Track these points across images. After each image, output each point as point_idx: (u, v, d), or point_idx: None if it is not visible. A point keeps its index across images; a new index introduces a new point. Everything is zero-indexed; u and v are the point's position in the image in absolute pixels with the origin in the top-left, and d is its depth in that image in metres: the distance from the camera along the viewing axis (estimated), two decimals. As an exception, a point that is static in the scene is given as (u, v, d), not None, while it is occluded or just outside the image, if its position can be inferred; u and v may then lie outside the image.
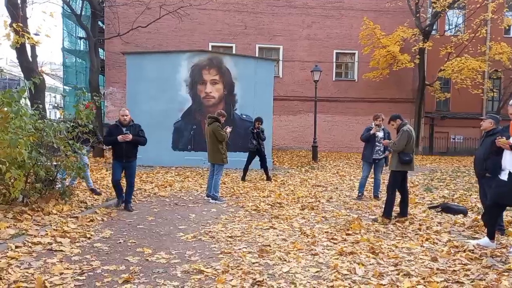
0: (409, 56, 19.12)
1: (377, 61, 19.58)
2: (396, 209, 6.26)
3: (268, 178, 10.21)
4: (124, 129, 6.08)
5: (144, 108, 12.29)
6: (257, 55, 19.80)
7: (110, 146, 6.20)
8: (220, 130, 7.17)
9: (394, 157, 5.94)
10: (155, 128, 12.03)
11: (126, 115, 6.13)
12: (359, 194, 7.86)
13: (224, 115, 7.48)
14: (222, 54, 13.28)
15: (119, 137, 5.96)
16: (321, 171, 12.92)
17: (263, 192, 8.38)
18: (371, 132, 7.59)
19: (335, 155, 18.75)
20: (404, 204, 6.08)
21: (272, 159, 13.92)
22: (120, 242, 4.58)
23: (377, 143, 7.59)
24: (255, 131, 9.97)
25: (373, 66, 19.88)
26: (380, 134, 7.62)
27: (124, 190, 6.29)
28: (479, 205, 6.77)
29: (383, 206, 6.20)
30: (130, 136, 5.97)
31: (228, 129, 7.45)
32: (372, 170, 7.81)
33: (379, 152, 7.63)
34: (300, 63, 20.82)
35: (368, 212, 6.62)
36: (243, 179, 10.02)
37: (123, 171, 6.23)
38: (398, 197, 6.16)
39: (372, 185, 8.15)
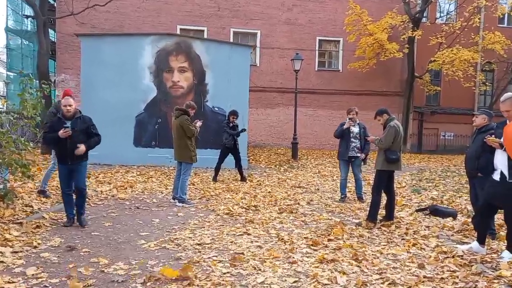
0: (397, 45, 19.56)
1: (363, 50, 19.92)
2: (382, 212, 6.39)
3: (243, 179, 10.22)
4: (67, 123, 5.31)
5: (101, 98, 12.03)
6: (231, 40, 19.73)
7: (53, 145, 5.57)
8: (189, 124, 7.11)
9: (379, 155, 6.06)
10: (114, 121, 11.80)
11: (70, 105, 5.34)
12: (342, 196, 8.00)
13: (193, 107, 7.42)
14: (191, 39, 13.16)
15: (60, 133, 5.23)
16: (301, 170, 13.05)
17: (236, 194, 8.39)
18: (344, 126, 7.78)
19: (317, 153, 18.98)
20: (390, 206, 6.21)
21: (247, 157, 13.93)
22: (71, 252, 4.46)
23: (352, 139, 7.80)
24: (231, 124, 9.96)
25: (359, 56, 20.21)
26: (355, 129, 7.81)
27: (75, 201, 5.61)
28: (469, 207, 7.02)
29: (368, 209, 6.32)
30: (70, 132, 5.23)
31: (198, 123, 7.40)
32: (351, 169, 7.97)
33: (355, 149, 7.81)
34: (279, 50, 20.91)
35: (352, 216, 6.73)
36: (214, 179, 9.99)
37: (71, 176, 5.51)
38: (384, 199, 6.29)
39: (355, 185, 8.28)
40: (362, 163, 7.99)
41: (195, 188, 8.91)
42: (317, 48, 21.38)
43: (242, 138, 10.79)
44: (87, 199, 6.85)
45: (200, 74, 12.64)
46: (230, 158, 10.32)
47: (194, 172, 11.05)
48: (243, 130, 10.34)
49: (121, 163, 12.05)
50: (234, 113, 9.98)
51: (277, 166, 13.76)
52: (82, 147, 5.33)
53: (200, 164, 10.66)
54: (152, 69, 12.48)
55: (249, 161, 14.11)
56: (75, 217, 5.61)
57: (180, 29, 20.07)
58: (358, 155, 7.81)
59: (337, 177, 11.55)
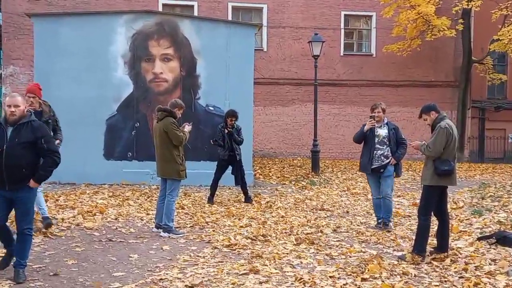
0: (448, 21, 19.56)
1: (403, 27, 19.94)
2: (433, 241, 6.36)
3: (248, 199, 10.24)
4: (9, 131, 4.90)
5: (60, 97, 12.00)
6: (229, 18, 19.85)
7: None
8: (176, 129, 7.15)
9: (427, 166, 6.04)
10: (77, 126, 11.84)
11: (16, 106, 4.91)
12: (378, 220, 7.98)
13: (181, 107, 7.47)
14: (178, 17, 13.26)
15: None
16: (324, 187, 13.03)
17: (239, 219, 8.38)
18: (365, 128, 7.77)
19: (345, 164, 18.97)
20: (443, 234, 6.18)
21: (253, 171, 13.92)
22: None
23: (377, 146, 7.76)
24: (226, 131, 9.98)
25: (397, 35, 20.24)
26: (382, 131, 7.77)
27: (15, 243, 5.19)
28: (549, 233, 6.94)
29: (414, 237, 6.29)
30: None
31: (187, 127, 7.44)
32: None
33: (382, 158, 7.75)
34: (292, 30, 21.04)
35: (393, 247, 6.71)
36: (210, 200, 10.02)
37: (10, 207, 5.11)
38: (434, 223, 6.26)
39: (399, 205, 8.27)
40: (394, 175, 7.93)
41: (185, 213, 8.91)
42: (342, 26, 21.47)
43: (245, 145, 10.81)
44: (42, 231, 6.88)
45: (189, 64, 12.72)
46: (229, 173, 10.34)
47: (183, 191, 11.07)
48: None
49: (88, 181, 12.10)
50: (232, 115, 10.02)
51: (293, 182, 13.76)
52: (31, 182, 4.93)
53: (192, 181, 10.69)
54: (126, 58, 12.57)
55: (255, 176, 14.11)
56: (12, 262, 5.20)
57: (163, 4, 20.24)
58: (385, 163, 7.72)
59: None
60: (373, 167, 7.74)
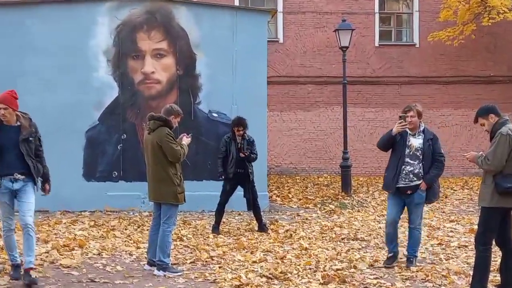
0: (510, 1, 19.42)
1: (453, 10, 19.86)
2: (495, 277, 6.31)
3: (262, 227, 10.24)
4: None
5: (29, 103, 11.90)
6: (236, 3, 19.96)
7: None
8: (172, 142, 7.15)
9: (486, 183, 6.00)
10: (50, 139, 11.67)
11: None
12: (389, 255, 7.72)
13: (178, 114, 7.46)
14: (172, 3, 13.33)
15: None
16: (358, 211, 12.97)
17: (252, 253, 8.37)
18: (393, 131, 7.32)
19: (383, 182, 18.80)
20: (508, 267, 6.11)
21: (269, 192, 13.88)
22: None
23: (407, 159, 7.29)
24: (237, 143, 10.01)
25: (446, 20, 20.14)
26: (415, 140, 7.31)
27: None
28: None
29: (471, 272, 6.23)
30: None
31: (186, 139, 7.44)
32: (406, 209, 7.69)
33: (411, 175, 7.31)
34: (315, 16, 21.06)
35: (445, 285, 6.65)
36: (215, 230, 10.02)
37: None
38: (496, 255, 6.19)
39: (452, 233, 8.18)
40: (425, 201, 7.55)
41: (185, 246, 8.91)
42: (377, 10, 21.46)
43: (259, 160, 10.72)
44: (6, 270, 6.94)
45: (187, 60, 12.79)
46: (239, 195, 10.35)
47: (182, 218, 11.08)
48: (245, 153, 10.02)
49: (64, 208, 12.13)
50: (238, 123, 10.02)
51: (318, 206, 13.70)
52: None
53: (192, 205, 10.69)
54: (110, 55, 12.67)
55: (271, 198, 14.10)
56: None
57: (154, -12, 20.41)
58: (416, 183, 7.29)
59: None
60: (398, 185, 7.37)
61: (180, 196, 7.22)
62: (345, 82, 16.41)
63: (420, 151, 7.37)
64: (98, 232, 9.94)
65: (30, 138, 6.65)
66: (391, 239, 7.69)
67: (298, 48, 20.98)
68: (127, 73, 12.70)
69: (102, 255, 8.29)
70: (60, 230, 10.08)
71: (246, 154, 9.95)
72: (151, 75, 12.71)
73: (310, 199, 14.82)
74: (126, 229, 10.30)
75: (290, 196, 15.31)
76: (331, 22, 19.87)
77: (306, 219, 11.84)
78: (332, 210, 13.00)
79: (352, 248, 8.83)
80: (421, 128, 7.49)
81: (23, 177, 6.53)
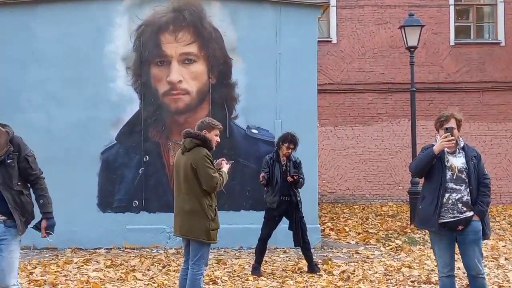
0: None
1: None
2: None
3: (313, 268, 10.13)
4: None
5: (33, 122, 12.36)
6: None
7: None
8: (210, 166, 7.07)
9: None
10: (58, 164, 12.05)
11: None
12: None
13: (213, 126, 7.35)
14: (203, -1, 13.40)
15: None
16: (431, 247, 12.64)
17: (300, 300, 8.26)
18: (436, 148, 6.67)
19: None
20: None
21: (320, 224, 13.76)
22: None
23: (450, 184, 6.74)
24: (282, 165, 9.93)
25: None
26: (457, 160, 6.87)
27: None
28: None
29: None
30: None
31: (226, 166, 7.32)
32: (457, 250, 7.14)
33: (459, 205, 6.88)
34: (375, 11, 21.05)
35: None
36: (256, 271, 9.96)
37: None
38: None
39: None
40: (481, 236, 7.06)
41: (219, 291, 8.86)
42: (452, 2, 21.27)
43: (307, 186, 10.63)
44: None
45: (221, 67, 12.84)
46: (284, 228, 10.28)
47: (216, 257, 11.07)
48: (293, 177, 9.89)
49: (75, 244, 12.26)
50: (292, 140, 9.93)
51: (382, 241, 13.57)
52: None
53: (227, 241, 10.68)
54: (129, 62, 12.80)
55: (323, 232, 14.00)
56: None
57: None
58: (468, 215, 6.94)
59: (505, 257, 11.13)
60: (444, 220, 6.73)
61: (213, 233, 7.09)
62: (414, 90, 16.29)
63: (465, 173, 6.77)
64: (116, 274, 9.96)
65: (8, 161, 5.93)
66: None
67: (356, 49, 20.94)
68: (150, 83, 12.81)
69: (119, 301, 8.31)
70: (70, 272, 10.15)
71: (295, 178, 9.79)
72: (178, 85, 12.78)
73: (371, 233, 14.70)
74: (148, 270, 10.28)
75: (347, 229, 15.16)
76: (396, 17, 19.87)
77: (367, 257, 11.68)
78: (399, 247, 12.82)
79: (424, 294, 8.64)
80: (461, 144, 6.90)
81: (3, 218, 5.90)
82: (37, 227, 6.26)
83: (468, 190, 6.67)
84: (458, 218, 6.63)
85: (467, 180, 6.67)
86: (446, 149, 6.66)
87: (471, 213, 6.65)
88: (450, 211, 6.66)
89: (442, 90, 20.83)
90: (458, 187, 6.67)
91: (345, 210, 18.46)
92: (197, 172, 6.99)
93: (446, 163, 6.69)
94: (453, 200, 6.65)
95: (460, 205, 6.63)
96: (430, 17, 19.71)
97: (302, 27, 12.90)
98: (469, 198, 6.66)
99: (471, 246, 6.71)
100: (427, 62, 20.28)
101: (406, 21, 16.32)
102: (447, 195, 6.66)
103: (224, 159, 7.45)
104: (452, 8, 21.20)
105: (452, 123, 6.67)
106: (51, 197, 6.37)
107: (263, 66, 12.74)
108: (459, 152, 6.77)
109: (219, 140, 7.32)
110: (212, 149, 7.15)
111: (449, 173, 6.68)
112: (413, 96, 16.27)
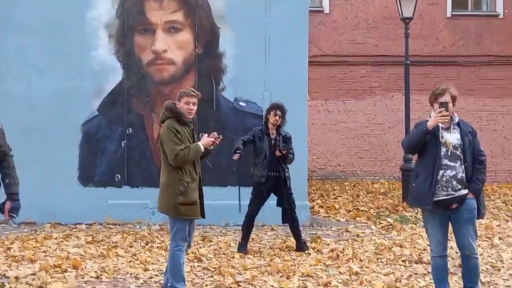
0: None
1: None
2: None
3: (301, 246, 10.22)
4: None
5: (13, 93, 12.38)
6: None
7: None
8: (172, 138, 7.02)
9: None
10: (38, 136, 12.07)
11: None
12: None
13: (182, 94, 7.22)
14: (189, -36, 13.34)
15: None
16: (423, 226, 12.66)
17: (288, 278, 8.36)
18: (429, 124, 6.62)
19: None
20: None
21: (310, 201, 13.84)
22: None
23: (445, 160, 6.67)
24: (271, 139, 10.00)
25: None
26: (452, 136, 6.67)
27: None
28: None
29: None
30: None
31: (204, 139, 7.28)
32: (451, 229, 7.16)
33: (453, 182, 6.66)
34: (369, -21, 20.97)
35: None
36: (242, 248, 10.04)
37: None
38: None
39: None
40: (477, 216, 7.07)
41: (204, 268, 8.93)
42: (449, -28, 21.27)
43: (297, 161, 10.67)
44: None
45: (208, 36, 12.82)
46: (272, 204, 10.33)
47: (201, 234, 11.14)
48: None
49: (55, 219, 12.28)
50: (277, 106, 9.97)
51: (373, 219, 13.68)
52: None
53: (213, 217, 10.67)
54: (112, 30, 12.77)
55: (313, 209, 14.08)
56: None
57: None
58: (462, 193, 6.71)
59: (499, 236, 11.29)
60: (438, 198, 6.73)
61: (183, 208, 7.09)
62: (408, 63, 16.33)
63: (460, 149, 6.73)
64: (97, 250, 9.98)
65: None
66: (442, 277, 7.08)
67: (348, 19, 20.96)
68: (134, 52, 12.78)
69: (101, 278, 8.34)
70: (50, 247, 10.17)
71: (284, 152, 9.82)
72: (163, 54, 12.76)
73: (362, 210, 14.79)
74: (131, 247, 10.30)
75: (337, 207, 15.26)
76: (390, -14, 19.80)
77: (357, 235, 11.77)
78: (390, 225, 12.91)
79: (416, 274, 8.76)
80: (456, 120, 6.87)
81: None
82: (0, 208, 6.12)
83: (463, 167, 6.65)
84: (452, 196, 6.63)
85: (462, 157, 6.65)
86: (440, 125, 6.63)
87: (465, 191, 6.64)
88: (444, 188, 6.65)
89: (437, 64, 20.91)
90: (452, 164, 6.64)
91: (335, 187, 18.55)
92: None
93: (440, 139, 6.66)
94: (447, 177, 6.64)
95: (454, 183, 6.63)
96: (425, -13, 19.76)
97: (293, -4, 12.88)
98: (464, 175, 6.64)
99: (465, 225, 6.73)
100: (422, 34, 20.34)
101: (401, -9, 16.31)
102: (441, 172, 6.64)
103: (214, 134, 7.32)
104: (448, -20, 21.23)
105: (446, 98, 6.63)
106: (18, 177, 6.24)
107: (252, 36, 12.71)
108: (454, 128, 6.75)
109: (191, 107, 7.16)
110: (184, 120, 7.14)
111: (443, 149, 6.65)
112: (408, 69, 16.31)
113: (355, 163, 20.91)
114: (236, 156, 9.80)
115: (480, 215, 6.80)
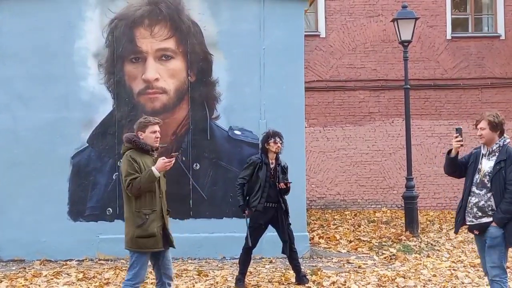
0: None
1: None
2: None
3: (301, 279, 10.16)
4: None
5: (-1, 123, 12.39)
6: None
7: None
8: (128, 169, 7.06)
9: None
10: (25, 169, 12.03)
11: None
12: None
13: (145, 124, 7.30)
14: (181, -10, 13.39)
15: None
16: (428, 256, 12.87)
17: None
18: (453, 152, 7.13)
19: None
20: None
21: (309, 231, 13.79)
22: None
23: (473, 188, 7.02)
24: (271, 168, 9.95)
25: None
26: (487, 164, 6.92)
27: None
28: None
29: None
30: None
31: (159, 163, 7.16)
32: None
33: (474, 209, 6.99)
34: (366, 2, 21.10)
35: None
36: (240, 282, 9.97)
37: None
38: None
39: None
40: (501, 243, 7.04)
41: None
42: (447, -7, 21.41)
43: (295, 190, 10.58)
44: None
45: (201, 63, 12.82)
46: (271, 236, 10.30)
47: (197, 268, 11.08)
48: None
49: (44, 256, 12.20)
50: (272, 134, 9.90)
51: (375, 250, 13.63)
52: None
53: (209, 251, 10.66)
54: (102, 59, 12.76)
55: (312, 240, 14.06)
56: None
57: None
58: (483, 221, 6.99)
59: (509, 265, 11.21)
60: (467, 223, 7.25)
61: (141, 241, 7.12)
62: (408, 87, 16.32)
63: (488, 177, 7.02)
64: (89, 287, 9.96)
65: None
66: None
67: (346, 43, 21.01)
68: (124, 81, 12.77)
69: (92, 318, 8.31)
70: (39, 286, 10.14)
71: (288, 185, 9.84)
72: (154, 83, 12.75)
73: (364, 241, 14.74)
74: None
75: (338, 237, 15.21)
76: (388, 9, 20.01)
77: (359, 267, 11.72)
78: (393, 256, 12.86)
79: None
80: (500, 143, 7.08)
81: None
82: None
83: (488, 195, 6.99)
84: (472, 223, 7.15)
85: (489, 185, 6.96)
86: (482, 151, 7.14)
87: (488, 219, 7.00)
88: (469, 214, 7.16)
89: (438, 87, 20.94)
90: (478, 191, 7.06)
91: (335, 217, 18.51)
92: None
93: (479, 166, 7.10)
94: (471, 204, 7.12)
95: (475, 210, 7.07)
96: (425, 9, 19.80)
97: (288, 20, 12.89)
98: (488, 203, 7.00)
99: (488, 251, 7.16)
100: (422, 57, 20.39)
101: (399, 14, 16.32)
102: (469, 198, 7.13)
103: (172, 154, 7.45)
104: (448, 2, 21.29)
105: (483, 124, 7.04)
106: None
107: (246, 62, 12.75)
108: (494, 155, 7.08)
109: (158, 136, 7.32)
110: (148, 150, 7.23)
111: (476, 176, 7.10)
112: (407, 93, 16.27)
113: (356, 191, 20.85)
114: (247, 213, 9.93)
115: (509, 244, 7.07)
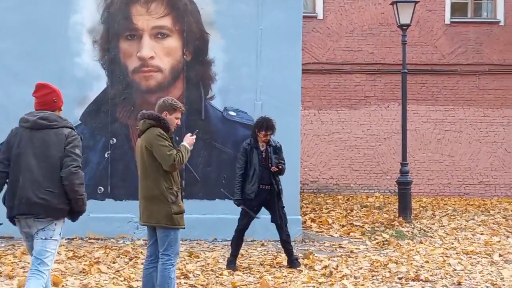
0: None
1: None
2: None
3: (293, 262, 10.19)
4: None
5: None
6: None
7: None
8: (163, 144, 7.08)
9: None
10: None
11: None
12: None
13: (174, 108, 7.31)
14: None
15: None
16: (421, 242, 12.92)
17: (280, 296, 8.33)
18: None
19: (454, 203, 18.80)
20: None
21: (302, 215, 13.83)
22: None
23: None
24: (261, 151, 9.99)
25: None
26: None
27: None
28: None
29: None
30: None
31: (188, 139, 7.31)
32: None
33: None
34: (364, -16, 21.07)
35: None
36: (231, 264, 9.99)
37: None
38: None
39: None
40: None
41: (191, 285, 8.90)
42: (447, -23, 21.40)
43: (289, 174, 10.63)
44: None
45: (197, 42, 12.82)
46: (263, 219, 10.34)
47: (188, 249, 11.11)
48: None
49: (34, 233, 12.23)
50: (268, 126, 9.89)
51: (368, 235, 13.67)
52: None
53: (201, 232, 10.69)
54: (97, 35, 12.73)
55: (305, 224, 14.09)
56: None
57: None
58: None
59: (500, 253, 11.31)
60: None
61: (176, 217, 7.06)
62: (405, 71, 16.31)
63: None
64: (78, 266, 9.94)
65: None
66: None
67: (343, 26, 20.99)
68: (119, 59, 12.75)
69: (83, 296, 8.32)
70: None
71: (280, 167, 9.86)
72: (149, 61, 12.74)
73: (356, 225, 14.78)
74: (114, 262, 10.27)
75: (330, 221, 15.24)
76: (387, -8, 19.90)
77: (351, 252, 11.75)
78: (386, 241, 12.89)
79: (413, 292, 8.76)
80: None
81: None
82: None
83: None
84: None
85: None
86: None
87: None
88: None
89: (435, 72, 20.98)
90: None
91: (328, 201, 18.55)
92: (152, 153, 7.04)
93: None
94: None
95: None
96: (423, -7, 19.87)
97: (286, 1, 12.85)
98: None
99: None
100: (420, 41, 20.42)
101: (399, -4, 16.40)
102: None
103: (189, 133, 7.44)
104: (447, -14, 21.37)
105: None
106: None
107: (243, 42, 12.71)
108: None
109: (179, 123, 7.34)
110: (169, 130, 7.14)
111: None
112: (404, 78, 16.30)
113: (349, 175, 20.89)
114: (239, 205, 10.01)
115: None
